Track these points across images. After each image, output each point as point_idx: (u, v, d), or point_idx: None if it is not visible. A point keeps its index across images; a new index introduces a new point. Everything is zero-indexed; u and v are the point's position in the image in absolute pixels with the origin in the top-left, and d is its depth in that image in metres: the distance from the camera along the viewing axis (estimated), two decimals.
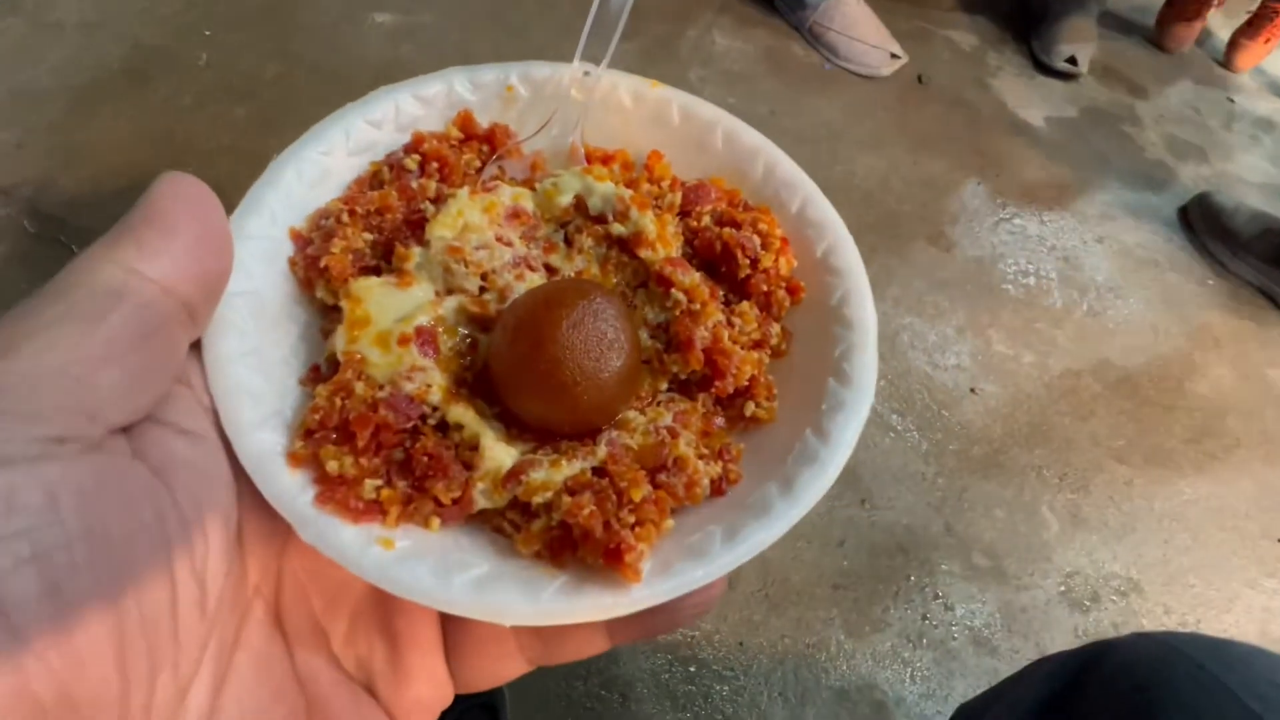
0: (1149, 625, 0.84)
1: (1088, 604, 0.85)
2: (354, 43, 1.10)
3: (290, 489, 0.19)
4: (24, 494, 0.14)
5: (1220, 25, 1.52)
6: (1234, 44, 1.47)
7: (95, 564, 0.14)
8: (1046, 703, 0.38)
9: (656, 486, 0.21)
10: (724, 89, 1.18)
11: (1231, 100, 1.43)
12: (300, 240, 0.24)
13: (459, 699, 0.22)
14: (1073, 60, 1.32)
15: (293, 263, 0.24)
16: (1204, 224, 1.18)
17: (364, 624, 0.21)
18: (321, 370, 0.23)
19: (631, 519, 0.20)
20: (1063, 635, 0.81)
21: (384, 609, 0.21)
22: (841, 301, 0.25)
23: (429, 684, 0.21)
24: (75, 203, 0.91)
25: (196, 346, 0.20)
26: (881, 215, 1.10)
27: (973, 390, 0.97)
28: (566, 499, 0.20)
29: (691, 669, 0.74)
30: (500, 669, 0.21)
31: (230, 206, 0.22)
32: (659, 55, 1.20)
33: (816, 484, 0.21)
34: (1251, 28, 1.44)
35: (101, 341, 0.16)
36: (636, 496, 0.21)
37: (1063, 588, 0.85)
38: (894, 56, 1.25)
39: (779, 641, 0.77)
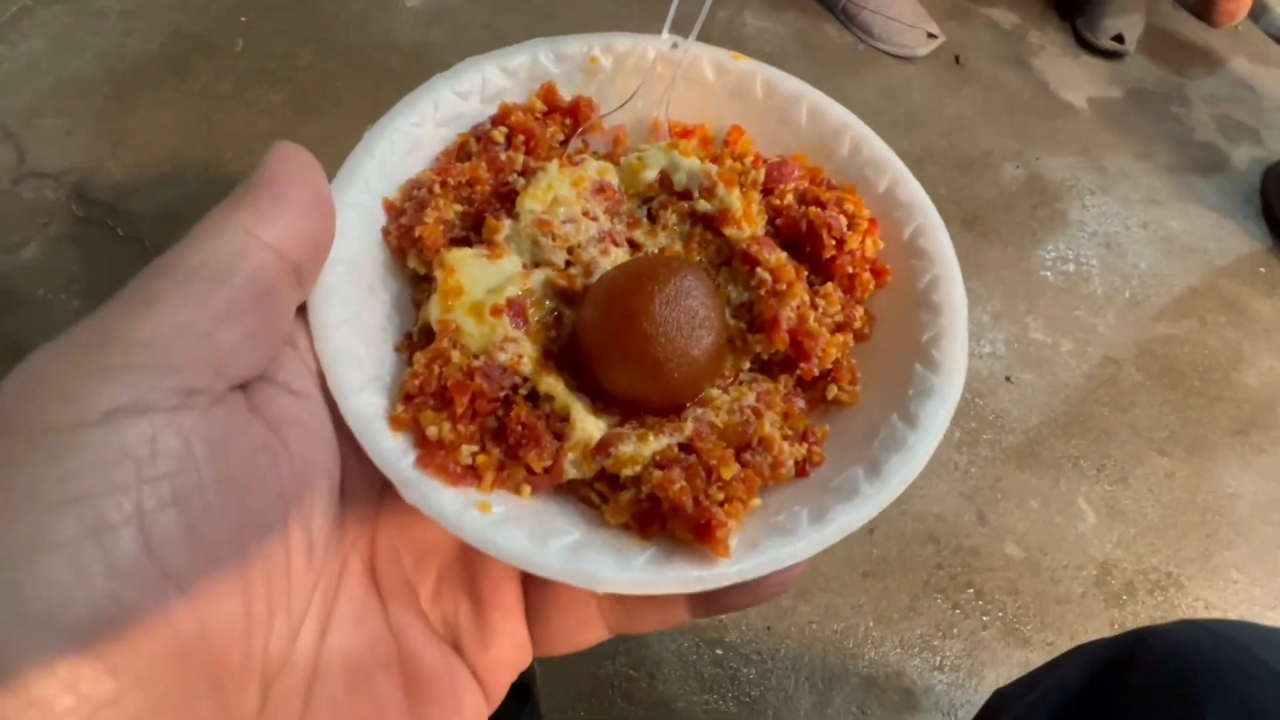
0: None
1: (1124, 598, 0.83)
2: (384, 27, 1.11)
3: (393, 451, 0.20)
4: (164, 440, 0.14)
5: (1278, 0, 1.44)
6: None
7: (226, 508, 0.15)
8: (1087, 689, 0.37)
9: (743, 464, 0.22)
10: None
11: None
12: (393, 210, 0.25)
13: None
14: (1119, 38, 1.26)
15: (386, 232, 0.24)
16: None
17: (450, 583, 0.21)
18: (414, 338, 0.23)
19: (720, 495, 0.21)
20: (1097, 628, 0.80)
21: (469, 570, 0.21)
22: (930, 286, 0.25)
23: (511, 645, 0.21)
24: (121, 188, 0.94)
25: (302, 310, 0.21)
26: None
27: (1008, 379, 0.95)
28: (656, 473, 0.21)
29: (719, 651, 0.75)
30: (580, 634, 0.22)
31: None
32: None
33: (905, 469, 0.21)
34: None
35: (224, 300, 0.16)
36: (727, 474, 0.21)
37: (1098, 580, 0.83)
38: (931, 36, 1.22)
39: (807, 627, 0.77)
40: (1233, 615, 0.83)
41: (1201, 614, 0.83)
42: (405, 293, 0.25)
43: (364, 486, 0.20)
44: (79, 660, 0.12)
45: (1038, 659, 0.77)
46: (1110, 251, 1.08)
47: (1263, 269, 1.10)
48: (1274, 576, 0.86)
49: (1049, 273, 1.05)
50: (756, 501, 0.21)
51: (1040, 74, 1.25)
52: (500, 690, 0.22)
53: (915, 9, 1.22)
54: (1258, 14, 1.43)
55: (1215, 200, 1.17)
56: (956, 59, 1.23)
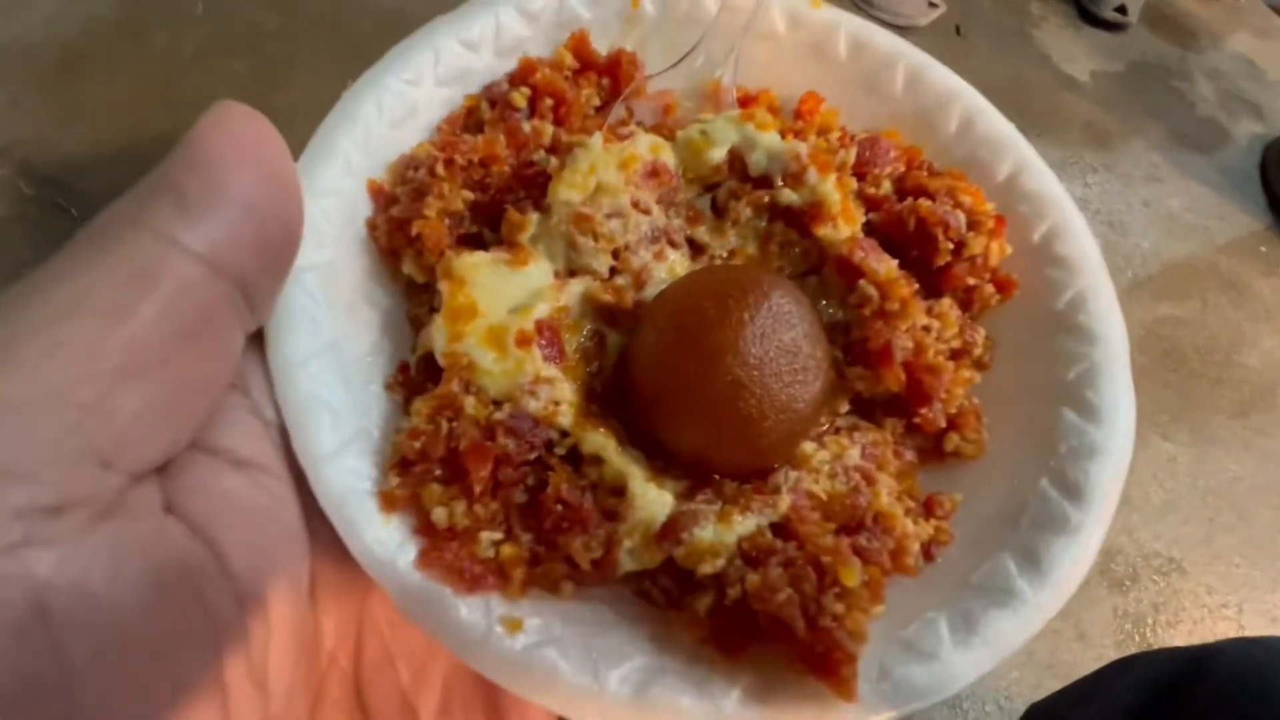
0: (1189, 605, 0.82)
1: (1127, 584, 0.82)
2: None
3: (385, 544, 0.15)
4: (8, 611, 0.09)
5: None
6: None
7: (109, 707, 0.10)
8: (1143, 709, 0.35)
9: (856, 553, 0.17)
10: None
11: None
12: (381, 197, 0.19)
13: None
14: (1122, 9, 1.23)
15: (372, 226, 0.19)
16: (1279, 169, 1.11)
17: (461, 699, 0.17)
18: (411, 371, 0.18)
19: (839, 608, 0.15)
20: (1102, 615, 0.79)
21: (487, 683, 0.16)
22: (1074, 305, 0.20)
23: None
24: (74, 163, 0.87)
25: (257, 340, 0.16)
26: None
27: None
28: (752, 575, 0.16)
29: None
30: None
31: None
32: None
33: (1072, 559, 0.17)
34: None
35: (124, 345, 0.11)
36: (850, 581, 0.16)
37: (1102, 567, 0.82)
38: (932, 5, 1.17)
39: None
40: (1233, 600, 0.82)
41: (1204, 599, 0.82)
42: (398, 307, 0.19)
43: (347, 576, 0.16)
44: None
45: (1043, 646, 0.76)
46: (1113, 230, 1.06)
47: (1264, 248, 1.09)
48: (1274, 560, 0.85)
49: None
50: (881, 608, 0.16)
51: (1042, 46, 1.21)
52: None
53: None
54: None
55: (1216, 178, 1.15)
56: (957, 29, 1.19)
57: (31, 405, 0.10)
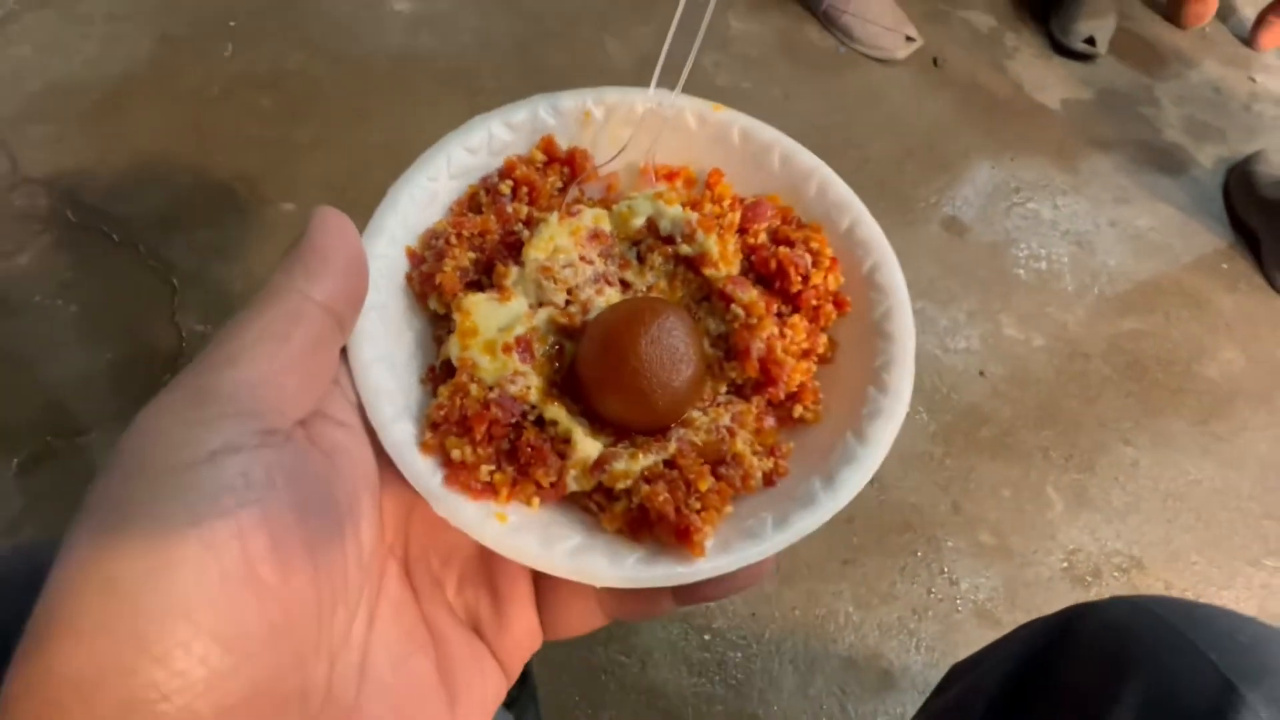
0: None
1: (1089, 579, 0.87)
2: (373, 31, 1.12)
3: (425, 471, 0.23)
4: (254, 473, 0.18)
5: (1246, 2, 1.49)
6: (1261, 21, 1.43)
7: (301, 525, 0.19)
8: (1028, 661, 0.40)
9: (718, 478, 0.25)
10: (739, 74, 1.18)
11: (1254, 80, 1.41)
12: (415, 258, 0.28)
13: None
14: (1091, 40, 1.30)
15: (409, 278, 0.28)
16: (1241, 191, 1.17)
17: (471, 580, 0.25)
18: (436, 371, 0.27)
19: (698, 505, 0.24)
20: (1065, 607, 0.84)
21: (488, 568, 0.25)
22: (884, 317, 0.28)
23: (525, 630, 0.25)
24: (113, 193, 0.95)
25: (343, 352, 0.24)
26: (895, 200, 1.12)
27: (982, 373, 0.99)
28: (644, 487, 0.24)
29: (706, 637, 0.78)
30: (582, 621, 0.25)
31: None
32: (673, 40, 1.20)
33: (855, 479, 0.24)
34: None
35: (287, 355, 0.20)
36: (703, 487, 0.24)
37: (1065, 564, 0.88)
38: (909, 39, 1.25)
39: (790, 613, 0.80)
40: (1190, 595, 0.88)
41: (1162, 594, 0.87)
42: (427, 330, 0.28)
43: (399, 502, 0.24)
44: (207, 642, 0.16)
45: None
46: (1081, 249, 1.12)
47: (1225, 265, 1.15)
48: (1230, 558, 0.91)
49: (1022, 270, 1.09)
50: (729, 509, 0.25)
51: (1016, 76, 1.29)
52: (517, 669, 0.25)
53: (894, 12, 1.25)
54: (1225, 15, 1.47)
55: (1181, 199, 1.21)
56: (935, 61, 1.27)
57: (251, 386, 0.19)
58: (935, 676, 0.80)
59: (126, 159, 0.97)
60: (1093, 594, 0.86)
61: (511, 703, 0.65)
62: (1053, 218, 1.15)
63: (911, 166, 1.15)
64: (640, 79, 0.30)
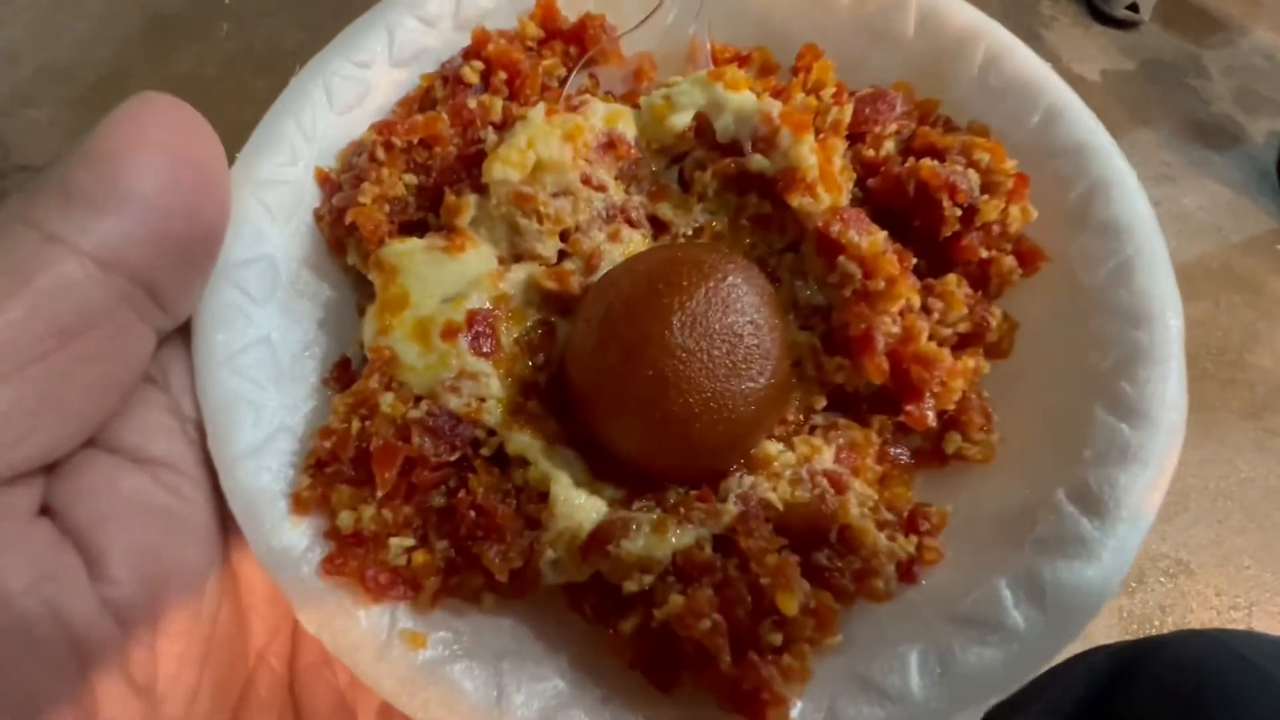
0: (1198, 608, 0.82)
1: (1133, 585, 0.82)
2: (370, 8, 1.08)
3: (289, 549, 0.14)
4: None
5: None
6: None
7: None
8: (1090, 700, 0.36)
9: (812, 573, 0.14)
10: None
11: None
12: (329, 185, 0.18)
13: None
14: (1134, 7, 1.22)
15: (319, 216, 0.18)
16: None
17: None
18: (352, 365, 0.17)
19: (778, 639, 0.13)
20: (1106, 616, 0.79)
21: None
22: (1115, 277, 0.16)
23: None
24: None
25: (185, 335, 0.15)
26: None
27: None
28: (676, 597, 0.13)
29: None
30: None
31: None
32: None
33: (1086, 589, 0.13)
34: None
35: None
36: (789, 609, 0.13)
37: None
38: None
39: None
40: (1242, 601, 0.82)
41: (1212, 601, 0.82)
42: (347, 300, 0.18)
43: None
44: None
45: None
46: None
47: (1279, 247, 1.08)
48: None
49: None
50: (836, 639, 0.14)
51: (1053, 46, 1.21)
52: None
53: None
54: None
55: (1231, 176, 1.13)
56: None
57: None
58: None
59: None
60: (1137, 600, 0.81)
61: None
62: None
63: None
64: None
